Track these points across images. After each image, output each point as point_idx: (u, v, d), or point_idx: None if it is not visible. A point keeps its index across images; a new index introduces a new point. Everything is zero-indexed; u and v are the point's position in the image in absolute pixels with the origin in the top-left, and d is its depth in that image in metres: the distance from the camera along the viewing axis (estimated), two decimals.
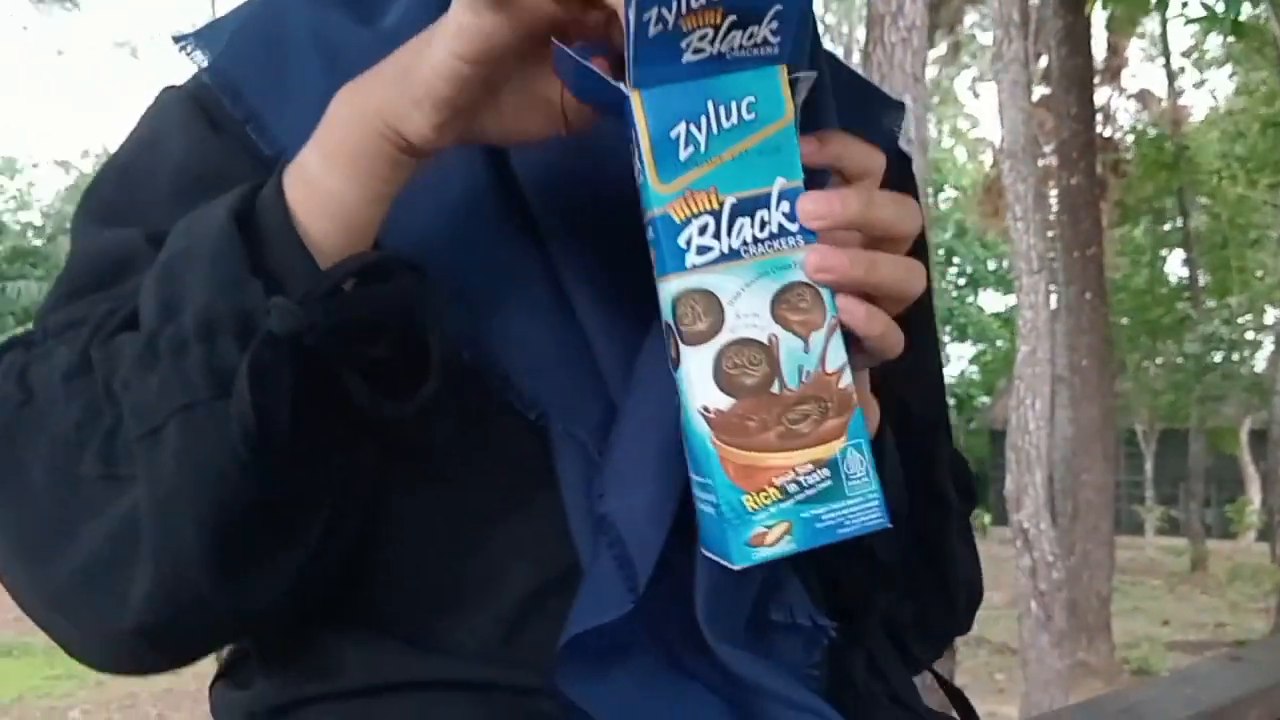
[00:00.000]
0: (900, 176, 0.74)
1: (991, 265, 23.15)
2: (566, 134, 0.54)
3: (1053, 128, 9.51)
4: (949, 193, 24.16)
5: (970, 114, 24.84)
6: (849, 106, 0.70)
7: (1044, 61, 10.18)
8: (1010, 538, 7.28)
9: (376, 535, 0.60)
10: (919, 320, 0.77)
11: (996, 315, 23.72)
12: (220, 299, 0.51)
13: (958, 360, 24.67)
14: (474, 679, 0.59)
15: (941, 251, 22.87)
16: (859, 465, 0.50)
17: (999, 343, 23.14)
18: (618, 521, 0.57)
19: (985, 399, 22.92)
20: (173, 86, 0.67)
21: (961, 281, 24.33)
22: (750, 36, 0.48)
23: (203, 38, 0.65)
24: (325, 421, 0.53)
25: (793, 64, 0.50)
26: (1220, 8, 5.01)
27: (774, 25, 0.48)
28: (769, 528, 0.49)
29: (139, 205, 0.62)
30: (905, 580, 0.70)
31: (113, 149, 0.68)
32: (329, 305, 0.51)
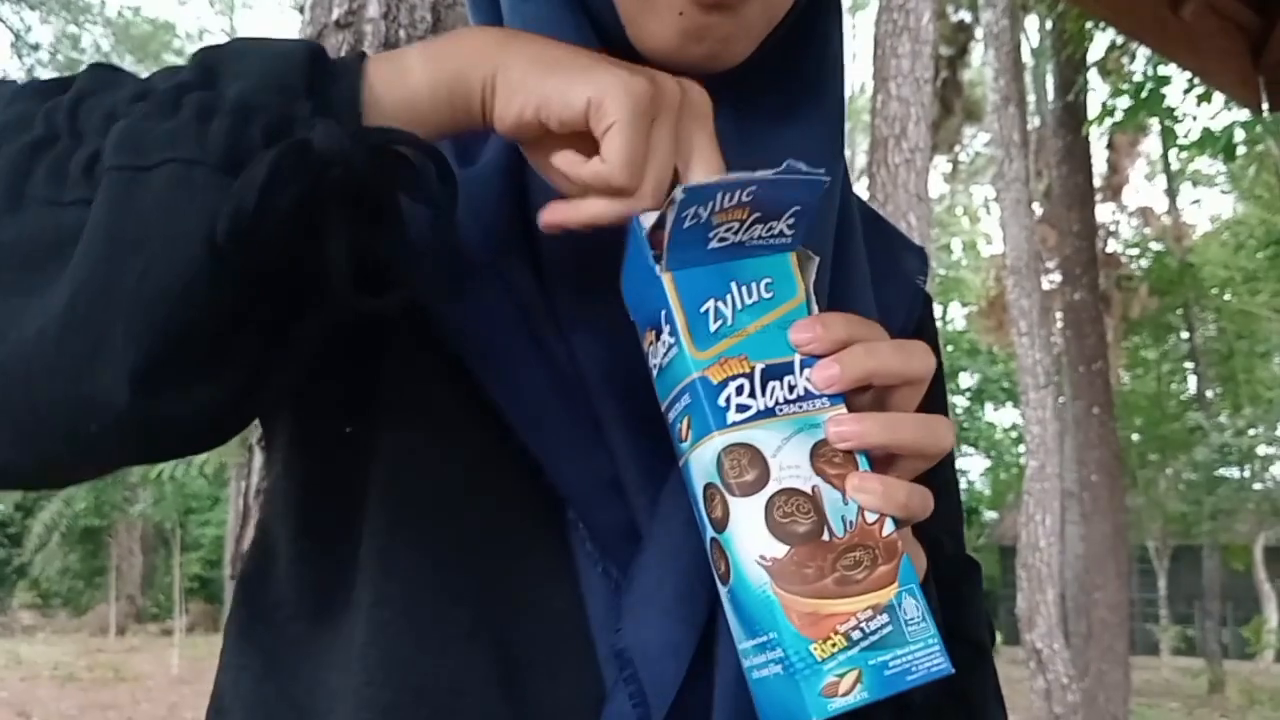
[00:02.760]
0: (923, 318, 0.78)
1: (1003, 382, 23.14)
2: (542, 217, 0.56)
3: (1055, 244, 9.62)
4: (958, 309, 24.32)
5: (985, 231, 25.10)
6: (877, 250, 0.72)
7: (1045, 180, 10.35)
8: (1022, 658, 7.12)
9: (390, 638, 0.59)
10: (943, 460, 0.77)
11: (1009, 428, 23.62)
12: (269, 93, 0.49)
13: (967, 473, 24.48)
14: None
15: (949, 366, 22.83)
16: (915, 610, 0.51)
17: (1006, 457, 23.01)
18: (635, 657, 0.56)
19: (993, 514, 22.71)
20: None
21: (970, 395, 24.31)
22: (769, 229, 0.53)
23: None
24: (294, 264, 0.50)
25: (802, 248, 0.55)
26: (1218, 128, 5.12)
27: (791, 220, 0.53)
28: (840, 676, 0.48)
29: None
30: None
31: None
32: (371, 154, 0.49)
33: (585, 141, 0.53)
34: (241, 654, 0.66)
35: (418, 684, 0.57)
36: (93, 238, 0.47)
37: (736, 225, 0.52)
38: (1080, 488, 8.53)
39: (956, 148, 14.67)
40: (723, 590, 0.52)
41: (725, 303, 0.53)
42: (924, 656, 0.50)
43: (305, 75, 0.51)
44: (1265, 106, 2.71)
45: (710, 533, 0.52)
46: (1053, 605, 7.03)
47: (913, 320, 0.76)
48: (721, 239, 0.52)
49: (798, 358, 0.53)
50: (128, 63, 20.80)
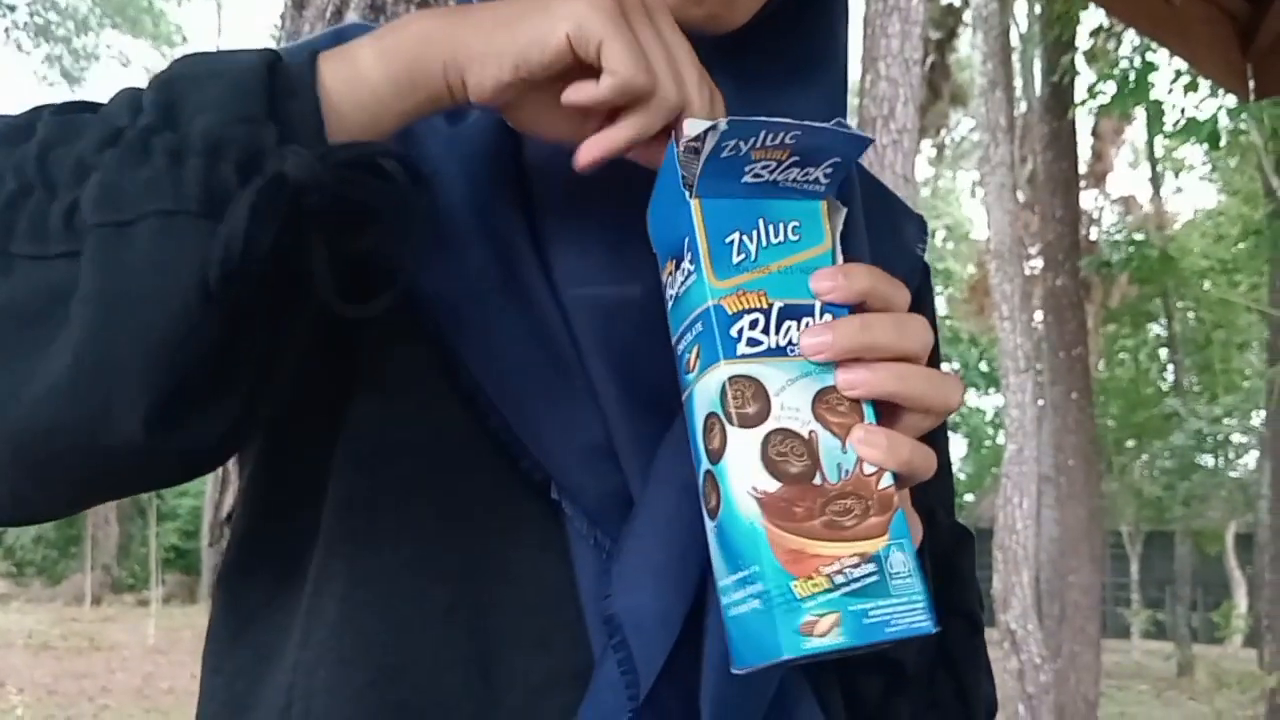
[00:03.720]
0: (922, 288, 0.76)
1: (982, 367, 23.23)
2: (580, 157, 0.55)
3: (1038, 230, 9.64)
4: (940, 292, 24.35)
5: (968, 216, 25.07)
6: (877, 217, 0.71)
7: (1029, 166, 10.36)
8: (997, 639, 7.19)
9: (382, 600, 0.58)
10: (938, 434, 0.75)
11: (984, 412, 23.73)
12: (234, 126, 0.49)
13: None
14: None
15: None
16: (902, 565, 0.50)
17: (986, 442, 23.13)
18: (625, 623, 0.56)
19: (969, 497, 22.85)
20: None
21: None
22: (806, 174, 0.53)
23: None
24: (280, 286, 0.51)
25: (833, 198, 0.55)
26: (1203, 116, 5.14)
27: (828, 170, 0.53)
28: (819, 616, 0.47)
29: None
30: (926, 693, 0.68)
31: None
32: (340, 173, 0.50)
33: (563, 83, 0.54)
34: (235, 657, 0.64)
35: (394, 663, 0.57)
36: (86, 298, 0.47)
37: (774, 165, 0.52)
38: (1057, 472, 8.58)
39: (942, 131, 14.67)
40: (710, 525, 0.51)
41: (750, 238, 0.52)
42: (906, 611, 0.49)
43: (264, 97, 0.50)
44: (1252, 94, 2.71)
45: (705, 465, 0.51)
46: (1027, 587, 7.09)
47: (911, 290, 0.75)
48: (756, 175, 0.52)
49: (817, 304, 0.52)
50: (106, 28, 20.51)
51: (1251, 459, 16.03)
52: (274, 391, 0.56)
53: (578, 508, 0.59)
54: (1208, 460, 16.02)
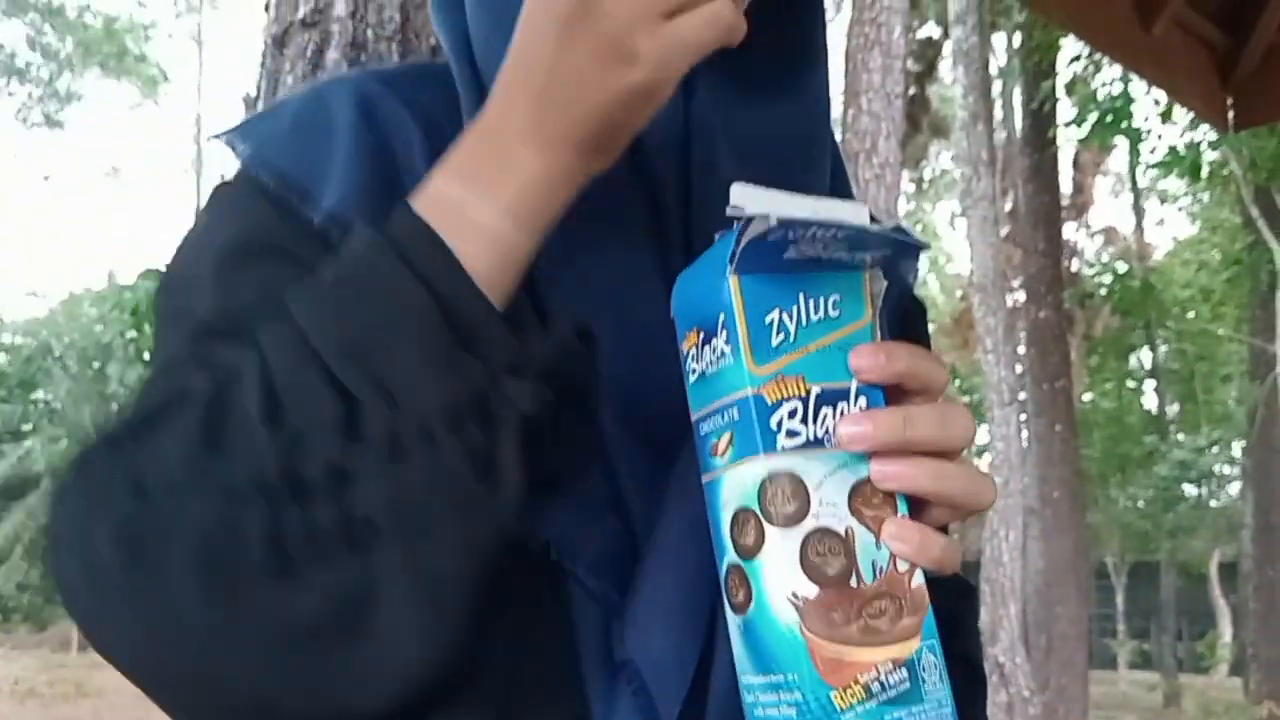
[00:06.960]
0: (916, 324, 0.76)
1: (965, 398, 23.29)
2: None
3: (1020, 262, 9.69)
4: None
5: (944, 250, 25.24)
6: None
7: (1011, 199, 10.44)
8: (985, 672, 7.16)
9: None
10: None
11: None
12: (452, 384, 0.49)
13: None
14: None
15: None
16: (933, 668, 0.49)
17: None
18: (642, 667, 0.55)
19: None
20: (225, 180, 0.65)
21: None
22: (852, 256, 0.50)
23: (243, 132, 0.63)
24: None
25: (875, 269, 0.52)
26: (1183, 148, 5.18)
27: (876, 255, 0.51)
28: None
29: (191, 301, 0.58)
30: None
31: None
32: (553, 381, 0.50)
33: None
34: None
35: None
36: (412, 600, 0.48)
37: (821, 245, 0.49)
38: (1042, 504, 8.59)
39: (923, 163, 14.78)
40: (734, 619, 0.50)
41: (790, 315, 0.49)
42: (935, 718, 0.49)
43: (445, 333, 0.50)
44: (1231, 125, 2.73)
45: (733, 558, 0.49)
46: (1015, 620, 7.08)
47: (897, 314, 0.73)
48: (800, 251, 0.49)
49: (854, 384, 0.50)
50: (88, 69, 20.53)
51: (1235, 489, 16.09)
52: None
53: (581, 564, 0.57)
54: (1191, 491, 16.07)
